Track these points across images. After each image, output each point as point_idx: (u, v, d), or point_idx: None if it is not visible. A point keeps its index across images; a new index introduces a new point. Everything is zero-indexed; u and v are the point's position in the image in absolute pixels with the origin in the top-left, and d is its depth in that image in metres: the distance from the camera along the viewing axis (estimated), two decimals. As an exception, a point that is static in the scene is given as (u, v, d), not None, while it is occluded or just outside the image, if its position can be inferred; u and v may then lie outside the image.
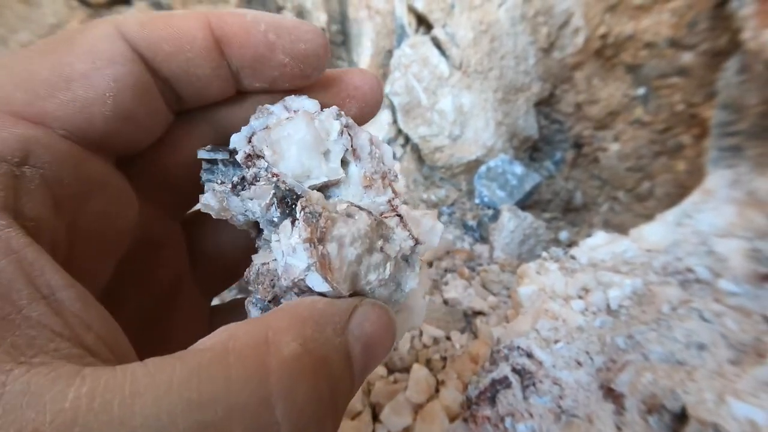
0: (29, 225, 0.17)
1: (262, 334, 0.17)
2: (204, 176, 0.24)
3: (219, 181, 0.24)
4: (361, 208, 0.22)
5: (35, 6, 0.85)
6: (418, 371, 0.54)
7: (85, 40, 0.20)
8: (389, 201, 0.24)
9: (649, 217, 0.66)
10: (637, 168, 1.09)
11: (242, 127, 0.25)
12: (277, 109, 0.25)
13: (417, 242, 0.23)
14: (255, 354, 0.17)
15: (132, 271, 0.25)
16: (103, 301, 0.19)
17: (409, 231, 0.23)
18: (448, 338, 0.62)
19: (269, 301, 0.22)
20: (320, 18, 1.10)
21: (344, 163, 0.24)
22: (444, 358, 0.58)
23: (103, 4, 0.89)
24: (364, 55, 1.16)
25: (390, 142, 1.16)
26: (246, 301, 0.24)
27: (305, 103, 0.25)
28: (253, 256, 0.24)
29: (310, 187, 0.23)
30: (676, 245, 0.56)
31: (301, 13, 1.08)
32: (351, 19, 1.17)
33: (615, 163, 1.11)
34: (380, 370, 0.57)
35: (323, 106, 0.25)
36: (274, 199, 0.22)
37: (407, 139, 1.15)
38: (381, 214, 0.23)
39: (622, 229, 0.68)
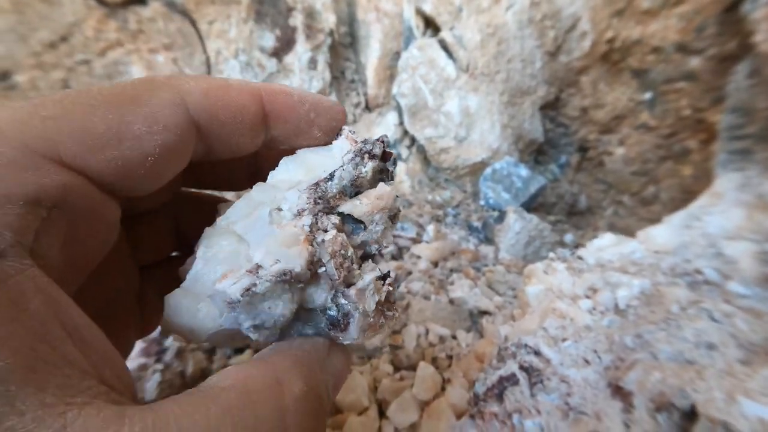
0: (40, 263, 0.17)
1: (272, 374, 0.20)
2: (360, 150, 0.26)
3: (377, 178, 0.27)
4: None
5: (56, 5, 0.86)
6: (425, 369, 0.54)
7: (150, 102, 0.21)
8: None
9: (653, 221, 0.66)
10: (642, 172, 1.09)
11: (368, 172, 0.26)
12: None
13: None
14: (272, 393, 0.19)
15: (88, 283, 0.25)
16: None
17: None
18: (454, 337, 0.62)
19: (333, 272, 0.24)
20: (329, 19, 1.11)
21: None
22: (450, 357, 0.58)
23: (120, 3, 0.90)
24: (372, 57, 1.17)
25: (396, 143, 1.16)
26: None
27: None
28: (346, 236, 0.25)
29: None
30: (684, 247, 0.56)
31: (311, 14, 1.09)
32: (359, 20, 1.17)
33: (620, 167, 1.11)
34: (386, 367, 0.56)
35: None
36: (383, 246, 0.26)
37: (413, 140, 1.15)
38: None
39: (626, 233, 0.68)
